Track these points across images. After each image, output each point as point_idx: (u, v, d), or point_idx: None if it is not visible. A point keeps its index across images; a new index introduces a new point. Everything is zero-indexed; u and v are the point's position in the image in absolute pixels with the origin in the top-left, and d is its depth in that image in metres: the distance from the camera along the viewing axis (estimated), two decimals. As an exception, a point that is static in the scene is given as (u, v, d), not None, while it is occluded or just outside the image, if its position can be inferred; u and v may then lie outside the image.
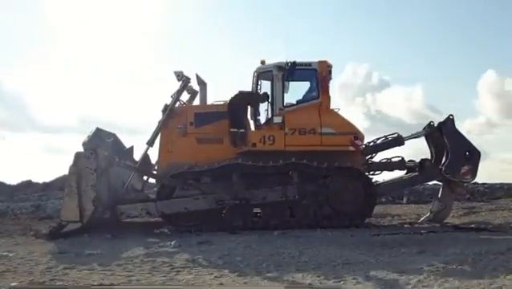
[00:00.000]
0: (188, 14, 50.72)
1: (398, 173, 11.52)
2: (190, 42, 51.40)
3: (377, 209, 11.72)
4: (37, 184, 22.15)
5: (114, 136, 11.03)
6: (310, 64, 10.66)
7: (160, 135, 10.53)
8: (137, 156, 10.94)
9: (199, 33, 50.75)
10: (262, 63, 10.83)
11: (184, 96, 11.01)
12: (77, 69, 48.69)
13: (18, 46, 49.04)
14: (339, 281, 5.40)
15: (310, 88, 10.91)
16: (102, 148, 9.80)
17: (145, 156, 10.70)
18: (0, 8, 44.36)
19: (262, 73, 10.85)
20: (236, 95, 10.60)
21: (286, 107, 10.56)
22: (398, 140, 11.12)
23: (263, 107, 11.04)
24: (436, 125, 11.12)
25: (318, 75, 10.55)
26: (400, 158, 11.07)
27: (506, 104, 45.46)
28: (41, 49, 48.46)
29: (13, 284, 5.38)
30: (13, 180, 22.62)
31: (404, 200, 17.18)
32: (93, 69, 48.35)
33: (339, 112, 10.73)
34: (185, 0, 49.63)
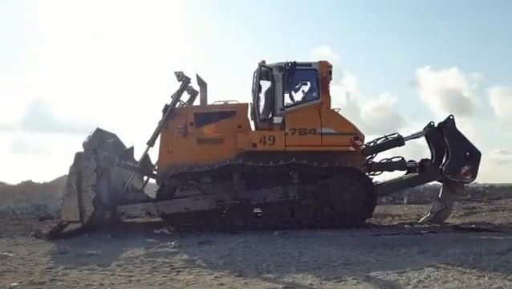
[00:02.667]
0: (188, 14, 50.78)
1: (398, 174, 11.55)
2: (190, 42, 51.50)
3: (377, 209, 11.73)
4: (38, 184, 22.21)
5: (114, 136, 11.02)
6: (310, 64, 10.65)
7: (160, 135, 10.53)
8: (137, 156, 10.98)
9: (199, 32, 50.85)
10: (263, 63, 10.83)
11: (185, 97, 11.03)
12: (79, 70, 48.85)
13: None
14: (340, 281, 5.40)
15: (310, 88, 10.90)
16: (102, 148, 9.80)
17: (145, 157, 10.71)
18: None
19: (263, 73, 10.84)
20: None
21: (287, 107, 10.55)
22: (398, 141, 11.14)
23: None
24: (436, 125, 11.12)
25: (319, 75, 10.54)
26: (400, 158, 11.09)
27: (448, 100, 45.68)
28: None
29: (13, 284, 5.38)
30: (13, 180, 22.73)
31: (405, 200, 17.21)
32: (92, 71, 48.47)
33: (340, 113, 10.73)
34: (186, 0, 49.76)
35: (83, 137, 9.93)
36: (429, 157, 11.21)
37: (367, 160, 10.94)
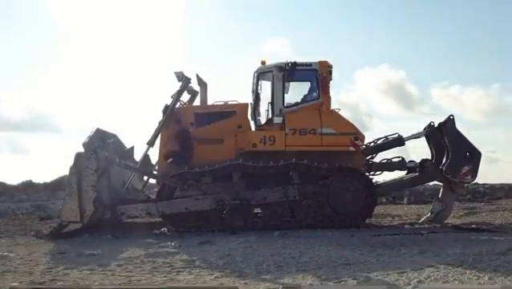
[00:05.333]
0: (188, 13, 50.80)
1: (398, 174, 11.55)
2: (189, 41, 51.51)
3: (378, 209, 11.73)
4: (38, 184, 22.18)
5: (114, 136, 11.03)
6: (310, 64, 10.64)
7: (160, 135, 10.53)
8: (138, 156, 10.98)
9: (198, 32, 50.86)
10: (263, 63, 10.82)
11: (185, 97, 11.02)
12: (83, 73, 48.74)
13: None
14: (340, 281, 5.40)
15: (310, 89, 10.90)
16: (102, 148, 9.80)
17: (146, 157, 10.71)
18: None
19: (263, 73, 10.84)
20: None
21: (287, 107, 10.56)
22: (398, 141, 11.13)
23: (264, 108, 11.05)
24: (436, 125, 11.11)
25: (319, 75, 10.54)
26: (400, 158, 11.08)
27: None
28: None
29: (13, 284, 5.39)
30: (14, 180, 22.69)
31: (405, 200, 17.18)
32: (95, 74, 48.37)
33: (340, 113, 10.72)
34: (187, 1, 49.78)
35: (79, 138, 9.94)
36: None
37: (368, 161, 10.94)
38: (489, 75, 49.71)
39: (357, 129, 10.56)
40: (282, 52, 44.53)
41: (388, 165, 11.08)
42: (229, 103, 10.84)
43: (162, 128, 10.50)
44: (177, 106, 10.71)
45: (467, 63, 51.30)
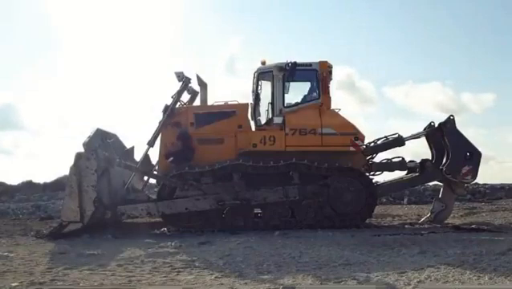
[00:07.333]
0: (189, 14, 50.85)
1: (399, 174, 11.55)
2: (189, 42, 51.54)
3: (378, 209, 11.74)
4: (38, 184, 22.18)
5: (115, 136, 11.03)
6: (310, 65, 10.65)
7: (160, 135, 10.54)
8: (138, 156, 10.98)
9: (198, 32, 50.89)
10: (263, 63, 10.84)
11: (185, 97, 11.03)
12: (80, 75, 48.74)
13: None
14: (340, 282, 5.40)
15: (310, 89, 10.91)
16: (102, 148, 9.80)
17: (146, 157, 10.71)
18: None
19: (263, 73, 10.85)
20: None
21: (287, 107, 10.56)
22: (398, 141, 11.13)
23: (264, 108, 11.05)
24: (436, 125, 11.12)
25: (319, 75, 10.55)
26: (400, 158, 11.08)
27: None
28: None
29: (13, 284, 5.39)
30: (14, 180, 22.70)
31: (405, 200, 17.20)
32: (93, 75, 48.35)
33: (340, 113, 10.73)
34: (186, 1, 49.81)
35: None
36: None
37: (368, 161, 10.94)
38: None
39: (357, 129, 10.54)
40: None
41: (388, 165, 11.08)
42: (229, 103, 10.84)
43: (162, 128, 10.51)
44: (177, 106, 10.73)
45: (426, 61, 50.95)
